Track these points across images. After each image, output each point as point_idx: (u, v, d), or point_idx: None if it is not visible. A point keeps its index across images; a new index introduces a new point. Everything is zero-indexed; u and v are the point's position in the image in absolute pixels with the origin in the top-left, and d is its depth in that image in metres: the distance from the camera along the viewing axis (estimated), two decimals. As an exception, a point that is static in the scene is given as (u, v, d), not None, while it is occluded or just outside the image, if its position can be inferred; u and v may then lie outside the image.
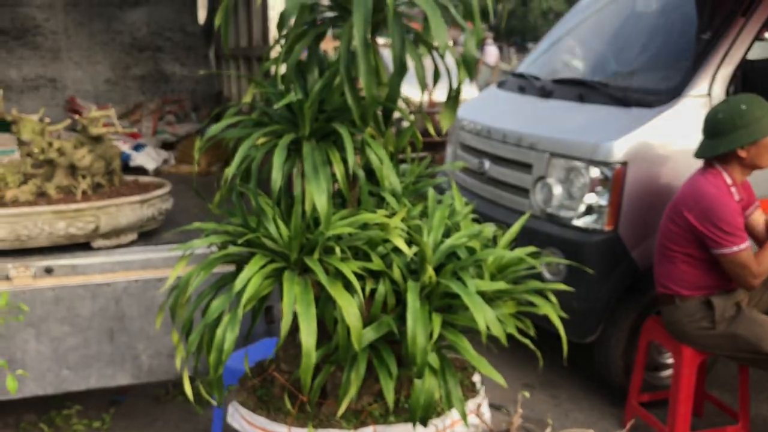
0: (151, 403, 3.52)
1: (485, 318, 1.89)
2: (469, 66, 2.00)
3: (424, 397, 1.90)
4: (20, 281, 2.80)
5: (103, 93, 5.94)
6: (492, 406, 3.52)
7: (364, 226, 2.03)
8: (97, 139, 3.06)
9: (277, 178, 1.88)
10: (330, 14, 2.20)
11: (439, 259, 2.03)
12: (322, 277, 1.80)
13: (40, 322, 2.81)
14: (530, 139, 3.58)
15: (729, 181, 2.82)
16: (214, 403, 2.00)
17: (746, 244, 2.71)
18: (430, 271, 1.97)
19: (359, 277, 1.92)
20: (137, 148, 4.91)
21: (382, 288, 1.96)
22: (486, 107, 4.39)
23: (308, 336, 1.74)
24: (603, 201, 3.23)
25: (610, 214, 3.22)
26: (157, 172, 4.61)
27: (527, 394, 2.47)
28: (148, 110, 5.85)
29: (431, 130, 2.27)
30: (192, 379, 2.04)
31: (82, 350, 2.87)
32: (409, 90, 7.21)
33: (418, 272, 2.01)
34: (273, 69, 2.22)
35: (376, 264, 1.97)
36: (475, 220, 2.36)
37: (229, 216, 2.04)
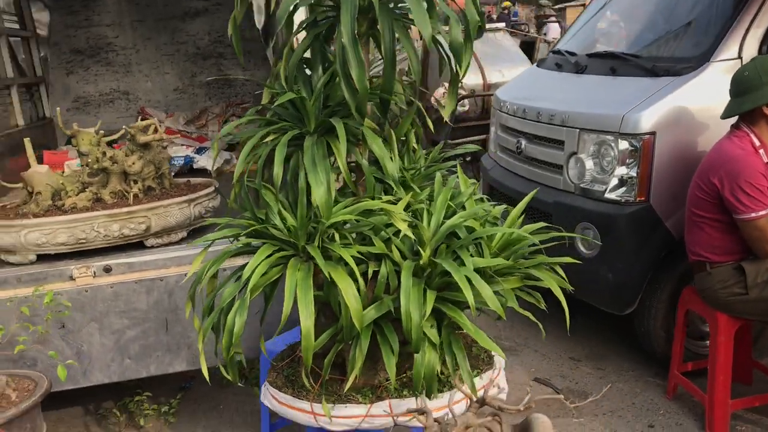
0: (215, 388, 3.78)
1: (484, 294, 1.98)
2: (457, 53, 2.09)
3: (425, 370, 2.01)
4: (82, 280, 3.08)
5: (172, 101, 6.31)
6: (537, 380, 3.61)
7: (369, 213, 2.16)
8: (146, 146, 3.31)
9: (278, 172, 2.03)
10: (331, 14, 2.34)
11: (438, 240, 2.13)
12: (320, 262, 1.94)
13: (102, 317, 3.09)
14: (562, 116, 3.61)
15: (757, 142, 2.79)
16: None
17: (766, 211, 2.67)
18: (426, 251, 2.08)
19: (361, 260, 2.06)
20: (199, 151, 5.20)
21: (384, 269, 2.09)
22: (524, 87, 4.42)
23: (306, 318, 1.89)
24: (633, 172, 3.24)
25: (640, 185, 3.22)
26: (220, 172, 4.87)
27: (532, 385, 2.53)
28: (213, 114, 6.17)
29: (445, 114, 2.36)
30: (240, 364, 2.23)
31: (141, 340, 3.13)
32: (468, 76, 7.22)
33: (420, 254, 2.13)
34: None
35: (378, 247, 2.10)
36: (483, 200, 2.45)
37: (242, 211, 2.21)
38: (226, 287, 2.04)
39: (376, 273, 2.10)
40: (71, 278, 3.07)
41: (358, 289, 2.11)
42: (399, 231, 2.12)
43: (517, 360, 3.87)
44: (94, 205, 3.19)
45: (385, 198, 2.28)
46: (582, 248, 3.43)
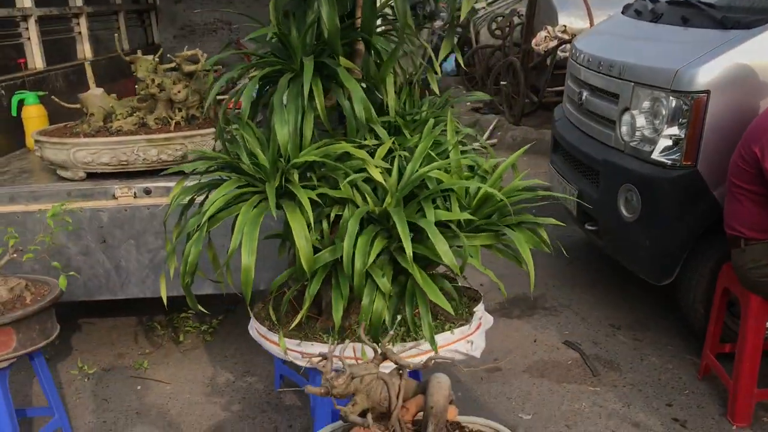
0: (254, 313, 3.94)
1: (439, 248, 1.93)
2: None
3: (373, 317, 2.00)
4: (124, 200, 3.27)
5: None
6: (566, 343, 3.49)
7: (348, 156, 2.14)
8: (191, 76, 3.42)
9: (245, 107, 2.05)
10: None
11: (404, 189, 2.08)
12: (272, 202, 1.96)
13: (139, 236, 3.28)
14: (619, 68, 3.36)
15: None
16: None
17: None
18: (389, 199, 2.04)
19: (319, 204, 2.05)
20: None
21: (347, 214, 2.07)
22: (599, 35, 4.14)
23: (247, 255, 1.92)
24: (681, 134, 2.98)
25: (688, 149, 2.96)
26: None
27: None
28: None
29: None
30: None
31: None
32: (568, 18, 6.91)
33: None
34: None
35: (344, 192, 2.08)
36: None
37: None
38: (191, 217, 2.11)
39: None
40: (114, 197, 3.27)
41: (323, 233, 2.12)
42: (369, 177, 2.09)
43: (554, 321, 3.74)
44: (138, 129, 3.36)
45: (368, 142, 2.25)
46: (624, 211, 3.23)
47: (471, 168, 2.31)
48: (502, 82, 7.84)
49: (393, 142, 2.25)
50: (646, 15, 3.75)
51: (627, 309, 3.79)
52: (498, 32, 8.59)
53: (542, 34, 6.68)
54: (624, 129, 3.29)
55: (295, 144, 2.07)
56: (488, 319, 2.49)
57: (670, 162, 3.03)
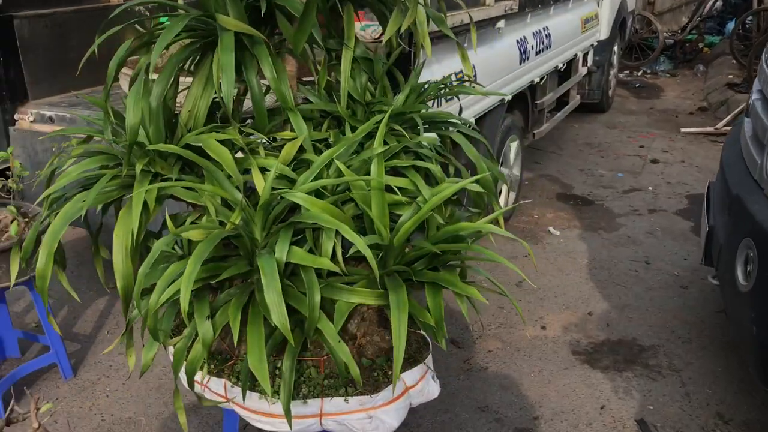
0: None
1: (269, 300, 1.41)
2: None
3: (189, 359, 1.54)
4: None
5: None
6: (640, 423, 2.68)
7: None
8: None
9: (111, 71, 1.65)
10: None
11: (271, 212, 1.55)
12: (92, 194, 1.56)
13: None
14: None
15: None
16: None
17: None
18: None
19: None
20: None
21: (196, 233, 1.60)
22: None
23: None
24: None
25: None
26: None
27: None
28: None
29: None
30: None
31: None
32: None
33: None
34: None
35: (196, 196, 1.61)
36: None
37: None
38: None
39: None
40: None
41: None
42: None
43: (646, 386, 2.87)
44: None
45: (286, 134, 1.74)
46: (739, 274, 2.28)
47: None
48: None
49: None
50: None
51: (752, 399, 2.78)
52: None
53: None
54: (770, 159, 2.29)
55: (158, 127, 1.63)
56: (428, 391, 1.86)
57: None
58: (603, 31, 6.21)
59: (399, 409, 1.79)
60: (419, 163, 1.67)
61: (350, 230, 1.43)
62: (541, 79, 4.51)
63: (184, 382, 1.68)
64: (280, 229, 1.51)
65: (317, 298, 1.47)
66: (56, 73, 3.71)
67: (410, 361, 1.86)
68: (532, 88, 4.48)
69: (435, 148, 1.80)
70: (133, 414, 2.74)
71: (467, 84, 2.24)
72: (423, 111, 1.89)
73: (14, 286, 2.27)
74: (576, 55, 5.38)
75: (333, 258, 1.53)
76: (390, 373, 1.81)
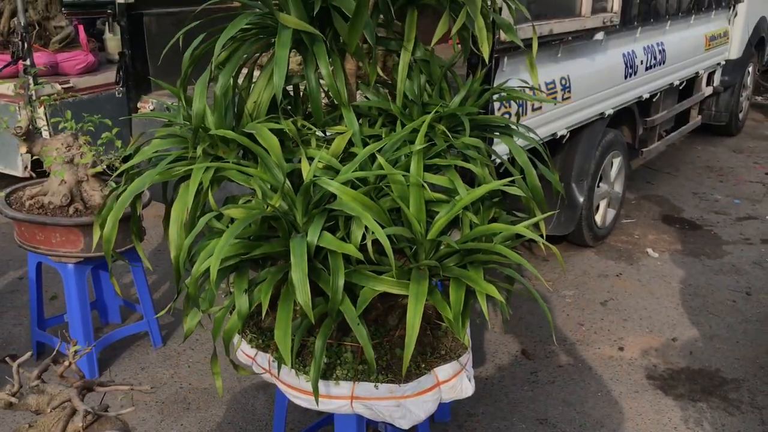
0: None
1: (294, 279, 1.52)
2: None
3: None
4: None
5: None
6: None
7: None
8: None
9: (185, 65, 1.82)
10: None
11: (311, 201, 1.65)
12: (148, 178, 1.72)
13: None
14: None
15: None
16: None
17: None
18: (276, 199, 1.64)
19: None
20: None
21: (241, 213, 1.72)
22: None
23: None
24: None
25: None
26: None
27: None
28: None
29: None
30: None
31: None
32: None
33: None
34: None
35: (243, 176, 1.74)
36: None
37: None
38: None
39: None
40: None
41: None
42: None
43: (720, 420, 2.73)
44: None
45: (339, 129, 1.84)
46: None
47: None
48: None
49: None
50: None
51: None
52: None
53: None
54: None
55: (221, 114, 1.77)
56: (461, 388, 1.90)
57: None
58: (734, 50, 5.90)
59: (427, 402, 1.85)
60: (459, 162, 1.72)
61: (371, 219, 1.50)
62: (652, 95, 4.37)
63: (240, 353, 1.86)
64: (315, 214, 1.61)
65: (341, 281, 1.55)
66: (178, 68, 4.02)
67: (445, 357, 1.91)
68: (641, 104, 4.35)
69: (483, 151, 1.83)
70: (208, 385, 2.93)
71: (530, 92, 2.25)
72: (478, 115, 1.93)
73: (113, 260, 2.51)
74: (698, 73, 5.16)
75: (364, 246, 1.61)
76: (423, 366, 1.87)
